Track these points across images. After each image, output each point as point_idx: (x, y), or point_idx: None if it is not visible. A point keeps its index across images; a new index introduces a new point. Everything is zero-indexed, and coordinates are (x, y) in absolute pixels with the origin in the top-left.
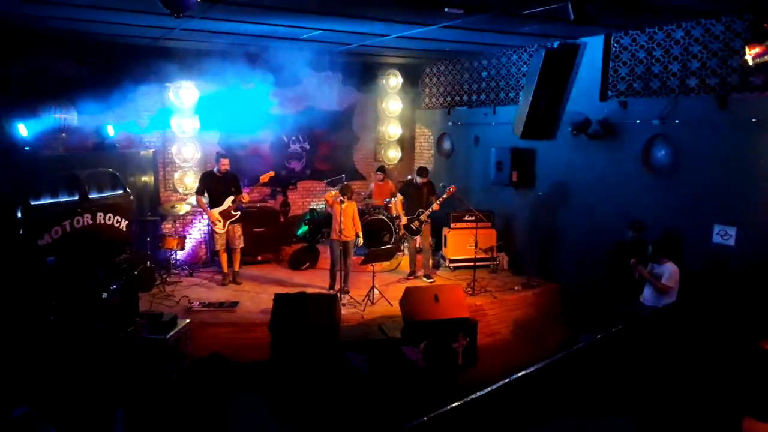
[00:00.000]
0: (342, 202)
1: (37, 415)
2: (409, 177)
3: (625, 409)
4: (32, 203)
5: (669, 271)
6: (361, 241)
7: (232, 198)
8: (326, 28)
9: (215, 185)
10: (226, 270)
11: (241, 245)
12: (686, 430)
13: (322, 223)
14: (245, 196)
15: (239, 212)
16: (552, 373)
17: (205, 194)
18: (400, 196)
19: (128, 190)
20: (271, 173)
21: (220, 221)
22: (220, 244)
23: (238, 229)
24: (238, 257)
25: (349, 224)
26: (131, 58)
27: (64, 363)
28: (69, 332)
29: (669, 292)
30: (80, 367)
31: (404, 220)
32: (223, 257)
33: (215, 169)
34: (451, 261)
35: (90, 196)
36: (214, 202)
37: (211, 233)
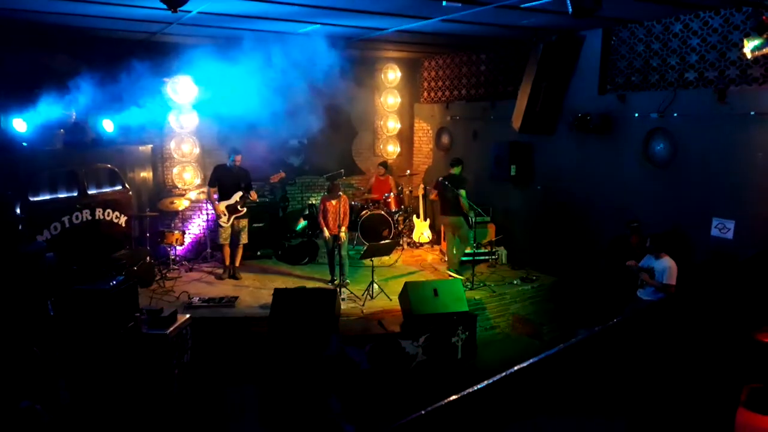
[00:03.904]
0: (327, 199)
1: (40, 408)
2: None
3: (622, 402)
4: (31, 199)
5: (668, 268)
6: (343, 236)
7: (240, 193)
8: (324, 22)
9: (226, 178)
10: (227, 264)
11: (245, 241)
12: (681, 422)
13: None
14: (254, 195)
15: (245, 208)
16: (550, 367)
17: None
18: (435, 191)
19: (127, 185)
20: (282, 174)
21: (225, 215)
22: (224, 237)
23: (243, 224)
24: (240, 252)
25: (336, 221)
26: (129, 52)
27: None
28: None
29: (672, 290)
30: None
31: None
32: (226, 251)
33: (228, 163)
34: None
35: (89, 192)
36: (223, 195)
37: (214, 227)
